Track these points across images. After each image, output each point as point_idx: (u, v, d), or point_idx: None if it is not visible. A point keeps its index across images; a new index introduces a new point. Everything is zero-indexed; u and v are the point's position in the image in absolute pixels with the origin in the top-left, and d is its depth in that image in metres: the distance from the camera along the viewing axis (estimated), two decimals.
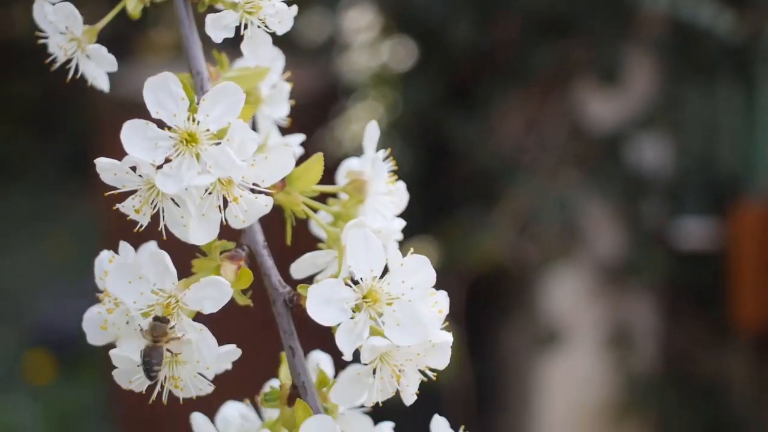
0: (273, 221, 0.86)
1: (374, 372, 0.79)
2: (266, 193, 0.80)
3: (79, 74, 0.88)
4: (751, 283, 3.12)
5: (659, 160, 3.21)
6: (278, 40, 0.87)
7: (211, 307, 0.79)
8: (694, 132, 3.26)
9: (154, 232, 0.83)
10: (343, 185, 0.89)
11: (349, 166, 0.90)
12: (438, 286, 0.80)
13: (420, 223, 2.96)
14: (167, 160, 0.78)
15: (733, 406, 3.26)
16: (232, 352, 0.82)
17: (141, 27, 4.43)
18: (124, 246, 0.83)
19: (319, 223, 0.87)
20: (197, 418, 0.88)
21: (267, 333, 1.59)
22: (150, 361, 0.79)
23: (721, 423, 3.26)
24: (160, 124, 0.79)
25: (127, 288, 0.80)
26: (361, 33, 3.27)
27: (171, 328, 0.79)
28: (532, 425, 3.26)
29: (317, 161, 0.84)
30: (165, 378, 0.81)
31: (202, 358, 0.80)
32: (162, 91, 0.78)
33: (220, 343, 0.81)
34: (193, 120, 0.78)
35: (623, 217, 3.19)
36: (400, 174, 0.91)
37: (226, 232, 0.83)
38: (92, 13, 0.93)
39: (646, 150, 3.18)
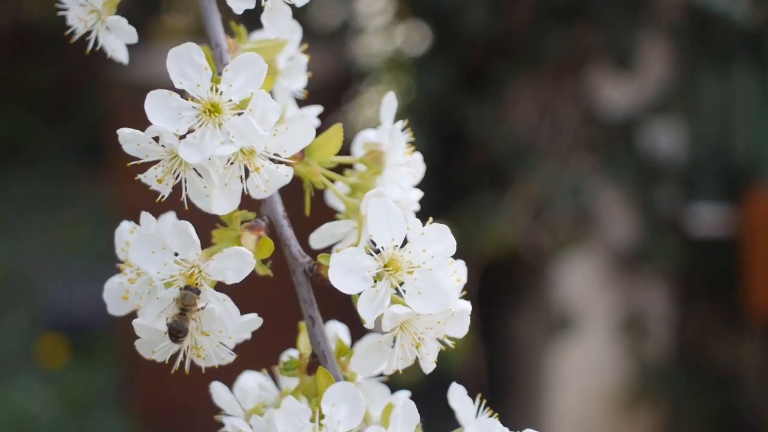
0: (292, 192, 0.87)
1: (394, 340, 0.80)
2: (287, 164, 0.81)
3: (98, 46, 0.89)
4: (764, 269, 3.11)
5: (673, 146, 3.20)
6: None
7: (233, 278, 0.80)
8: (709, 118, 3.25)
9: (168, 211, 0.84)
10: (360, 156, 0.90)
11: (366, 138, 0.90)
12: None
13: (433, 209, 2.95)
14: (190, 131, 0.79)
15: (745, 392, 3.25)
16: (253, 321, 0.83)
17: (155, 12, 4.43)
18: (145, 216, 0.83)
19: (338, 193, 0.87)
20: (216, 388, 0.88)
21: (279, 304, 1.60)
22: (177, 330, 0.79)
23: (733, 410, 3.25)
24: (183, 95, 0.79)
25: (151, 258, 0.80)
26: (375, 17, 3.27)
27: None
28: (544, 411, 3.27)
29: (336, 132, 0.85)
30: (187, 347, 0.81)
31: (224, 328, 0.81)
32: (185, 61, 0.78)
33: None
34: (216, 90, 0.79)
35: (636, 203, 3.18)
36: None
37: (246, 203, 0.83)
38: None
39: (660, 136, 3.17)
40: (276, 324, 1.05)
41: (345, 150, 0.90)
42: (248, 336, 0.85)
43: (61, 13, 0.89)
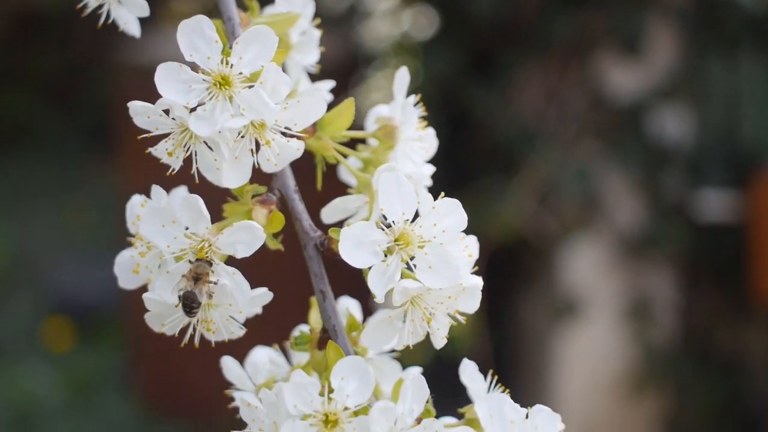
0: (303, 167, 0.87)
1: (405, 315, 0.80)
2: (298, 137, 0.80)
3: (110, 20, 0.88)
4: None
5: (680, 132, 3.19)
6: None
7: (243, 252, 0.80)
8: (716, 103, 3.23)
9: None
10: (372, 131, 0.89)
11: (378, 112, 0.90)
12: None
13: (440, 193, 2.95)
14: (200, 104, 0.78)
15: (751, 378, 3.25)
16: (264, 296, 0.82)
17: None
18: (156, 190, 0.83)
19: (350, 168, 0.87)
20: (227, 362, 0.88)
21: (290, 279, 1.60)
22: (191, 300, 0.79)
23: (739, 395, 3.25)
24: (194, 68, 0.79)
25: (161, 232, 0.80)
26: (383, 1, 3.26)
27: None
28: (549, 396, 3.27)
29: (348, 106, 0.85)
30: (197, 321, 0.81)
31: (234, 301, 0.81)
32: (195, 33, 0.78)
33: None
34: (227, 63, 0.78)
35: (643, 188, 3.17)
36: None
37: (257, 177, 0.83)
38: None
39: (667, 121, 3.17)
40: (287, 299, 1.05)
41: (355, 130, 0.89)
42: (259, 310, 0.85)
43: None
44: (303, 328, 0.88)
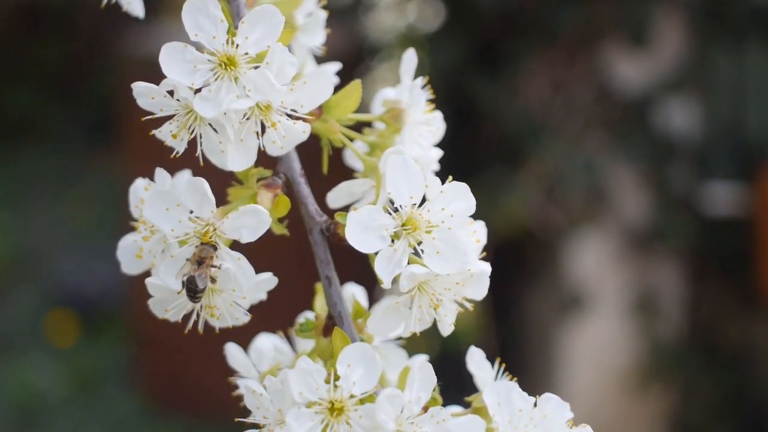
0: (309, 150, 0.85)
1: (412, 302, 0.78)
2: (304, 120, 0.79)
3: (113, 0, 0.87)
4: None
5: (687, 124, 3.18)
6: None
7: (249, 236, 0.78)
8: (723, 96, 3.22)
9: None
10: (379, 114, 0.88)
11: (385, 95, 0.88)
12: None
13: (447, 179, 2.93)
14: (205, 84, 0.77)
15: (757, 372, 3.24)
16: (268, 281, 0.81)
17: None
18: (160, 173, 0.82)
19: (356, 152, 0.85)
20: (231, 349, 0.87)
21: (296, 264, 1.58)
22: (195, 285, 0.77)
23: (745, 389, 3.24)
24: (199, 48, 0.77)
25: (165, 215, 0.78)
26: None
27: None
28: (556, 390, 3.25)
29: (355, 89, 0.83)
30: (201, 307, 0.80)
31: (238, 287, 0.79)
32: (201, 12, 0.77)
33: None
34: (232, 43, 0.77)
35: (650, 181, 3.16)
36: None
37: (262, 160, 0.82)
38: None
39: (674, 113, 3.15)
40: (292, 285, 1.03)
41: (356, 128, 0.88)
42: (263, 296, 0.83)
43: None
44: (308, 315, 0.86)
